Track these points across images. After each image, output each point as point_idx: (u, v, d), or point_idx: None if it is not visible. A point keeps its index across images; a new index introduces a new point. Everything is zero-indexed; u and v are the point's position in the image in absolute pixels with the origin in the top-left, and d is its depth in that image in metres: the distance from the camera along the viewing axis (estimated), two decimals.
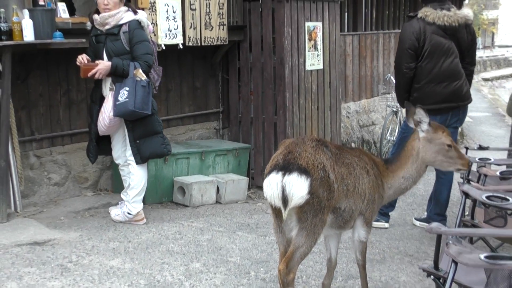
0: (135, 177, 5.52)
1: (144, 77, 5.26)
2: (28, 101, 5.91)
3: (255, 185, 7.32)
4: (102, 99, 5.48)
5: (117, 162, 5.69)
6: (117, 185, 6.35)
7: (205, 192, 6.47)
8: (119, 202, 5.80)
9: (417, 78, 5.44)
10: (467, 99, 5.50)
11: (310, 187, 3.41)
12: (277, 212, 3.53)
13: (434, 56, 5.35)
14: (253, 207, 6.55)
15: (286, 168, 3.44)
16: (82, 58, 5.28)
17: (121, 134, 5.55)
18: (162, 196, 6.50)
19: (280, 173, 3.43)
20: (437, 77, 5.37)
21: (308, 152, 3.54)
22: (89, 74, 5.25)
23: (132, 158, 5.47)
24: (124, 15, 5.32)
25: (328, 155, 3.62)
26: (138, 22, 5.36)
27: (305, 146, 3.59)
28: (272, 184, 3.44)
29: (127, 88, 5.18)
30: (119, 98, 5.19)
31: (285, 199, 3.39)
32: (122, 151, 5.60)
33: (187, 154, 6.66)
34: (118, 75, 5.28)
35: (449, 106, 5.39)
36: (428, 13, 5.33)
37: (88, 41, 5.48)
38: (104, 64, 5.26)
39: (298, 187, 3.39)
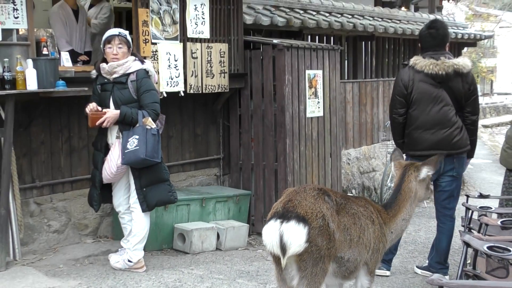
0: (138, 224, 5.50)
1: (153, 125, 5.33)
2: (30, 149, 5.94)
3: (256, 231, 7.28)
4: (107, 147, 5.51)
5: (117, 210, 5.67)
6: (117, 232, 6.32)
7: (206, 239, 6.45)
8: (119, 249, 5.77)
9: (407, 124, 5.56)
10: (459, 147, 5.45)
11: (308, 235, 3.44)
12: (277, 260, 3.55)
13: (421, 103, 5.43)
14: (253, 254, 6.51)
15: (284, 216, 3.49)
16: (93, 107, 5.32)
17: (123, 181, 5.56)
18: (162, 243, 6.47)
19: (278, 221, 3.49)
20: (424, 124, 5.43)
21: (308, 201, 3.58)
22: (97, 123, 5.28)
23: (136, 205, 5.46)
24: (132, 64, 5.40)
25: (329, 204, 3.65)
26: (146, 71, 5.44)
27: (305, 194, 3.63)
28: (271, 231, 3.49)
29: (137, 136, 5.22)
30: (128, 146, 5.22)
31: (283, 247, 3.42)
32: (123, 199, 5.59)
33: (188, 201, 6.65)
34: (126, 124, 5.32)
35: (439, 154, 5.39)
36: (417, 61, 5.43)
37: (92, 89, 5.53)
38: (112, 112, 5.30)
39: (295, 235, 3.43)
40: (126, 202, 5.58)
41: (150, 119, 5.33)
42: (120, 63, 5.36)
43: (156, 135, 5.32)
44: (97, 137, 5.59)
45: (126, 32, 5.48)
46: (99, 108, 5.35)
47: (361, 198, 4.20)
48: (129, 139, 5.25)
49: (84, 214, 6.38)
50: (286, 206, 3.57)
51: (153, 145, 5.27)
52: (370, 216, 3.95)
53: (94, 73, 5.54)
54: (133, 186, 5.47)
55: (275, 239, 3.46)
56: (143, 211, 5.47)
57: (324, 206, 3.60)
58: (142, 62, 5.47)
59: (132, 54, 5.49)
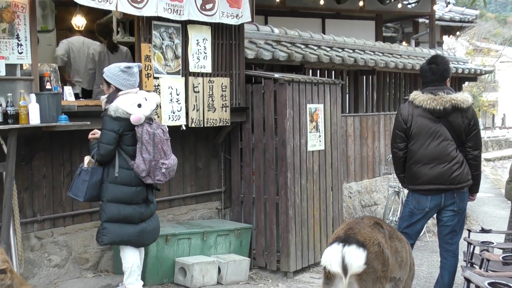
0: (123, 261, 5.56)
1: (85, 163, 5.42)
2: (31, 183, 5.96)
3: (257, 265, 7.25)
4: None
5: None
6: (118, 266, 6.29)
7: (207, 272, 6.42)
8: (120, 284, 5.75)
9: (407, 158, 5.57)
10: (459, 182, 5.41)
11: (367, 258, 3.96)
12: (331, 278, 4.05)
13: (419, 138, 5.45)
14: None
15: (346, 240, 4.03)
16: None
17: None
18: (163, 277, 6.44)
19: (340, 245, 4.02)
20: (422, 158, 5.44)
21: (366, 230, 4.16)
22: None
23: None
24: (104, 105, 5.51)
25: (383, 234, 4.26)
26: (107, 110, 5.41)
27: (363, 224, 4.23)
28: (333, 253, 4.01)
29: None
30: None
31: (344, 267, 3.94)
32: None
33: (189, 234, 6.64)
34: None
35: (438, 188, 5.38)
36: (416, 96, 5.47)
37: None
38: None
39: (356, 257, 3.95)
40: None
41: (88, 158, 5.44)
42: (102, 99, 5.59)
43: (81, 174, 5.38)
44: None
45: (106, 70, 5.53)
46: None
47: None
48: None
49: (85, 248, 6.36)
50: (347, 232, 4.10)
51: (76, 183, 5.40)
52: (407, 242, 4.67)
53: None
54: None
55: (337, 260, 3.95)
56: (100, 244, 5.60)
57: (379, 235, 4.18)
58: (110, 102, 5.44)
59: (115, 90, 5.49)
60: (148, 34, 6.24)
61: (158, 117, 6.26)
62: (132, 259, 5.51)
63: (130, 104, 5.34)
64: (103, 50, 7.44)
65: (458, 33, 18.32)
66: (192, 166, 7.40)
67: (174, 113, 6.47)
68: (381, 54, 10.48)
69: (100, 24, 7.61)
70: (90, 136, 5.50)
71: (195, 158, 7.43)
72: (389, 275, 4.14)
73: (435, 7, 13.49)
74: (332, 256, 3.98)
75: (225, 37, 7.05)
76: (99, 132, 5.44)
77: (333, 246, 4.04)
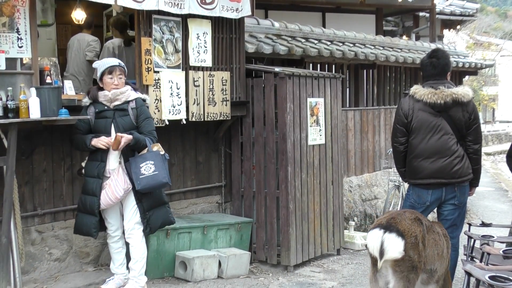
0: (139, 249, 5.54)
1: (163, 150, 5.54)
2: (32, 177, 5.96)
3: (257, 259, 7.26)
4: (103, 173, 5.51)
5: (114, 234, 5.64)
6: None
7: (207, 266, 6.43)
8: (107, 280, 5.74)
9: (408, 152, 5.56)
10: (460, 176, 5.41)
11: (404, 247, 4.30)
12: (374, 262, 4.39)
13: (420, 132, 5.43)
14: (255, 282, 6.48)
15: (387, 228, 4.37)
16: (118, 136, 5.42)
17: (117, 207, 5.59)
18: (164, 271, 6.45)
19: (382, 231, 4.36)
20: (423, 152, 5.43)
21: (406, 222, 4.47)
22: (120, 146, 5.39)
23: (134, 231, 5.49)
24: (131, 93, 5.58)
25: (422, 228, 4.52)
26: (143, 100, 5.66)
27: (405, 217, 4.54)
28: (374, 237, 4.36)
29: (152, 162, 5.39)
30: (144, 172, 5.35)
31: (381, 252, 4.29)
32: (120, 224, 5.63)
33: (189, 228, 6.64)
34: (135, 149, 5.48)
35: (439, 182, 5.38)
36: (416, 90, 5.45)
37: (82, 115, 5.57)
38: (127, 137, 5.41)
39: (394, 244, 4.29)
40: (122, 226, 5.62)
41: (159, 145, 5.54)
42: (122, 91, 5.51)
43: (166, 161, 5.56)
44: (92, 164, 5.53)
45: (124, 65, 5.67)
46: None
47: (436, 222, 5.22)
48: (141, 165, 5.37)
49: (85, 242, 6.37)
50: (389, 221, 4.43)
51: (168, 169, 5.54)
52: (445, 234, 4.95)
53: (87, 101, 5.60)
54: (128, 212, 5.51)
55: (376, 244, 4.31)
56: (147, 234, 5.59)
57: (418, 229, 4.46)
58: (136, 90, 5.69)
59: (126, 83, 5.65)
60: (148, 28, 6.23)
61: (159, 111, 6.26)
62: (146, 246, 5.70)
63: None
64: (120, 45, 7.49)
65: (458, 27, 18.31)
66: (192, 160, 7.40)
67: (174, 107, 6.47)
68: (381, 48, 10.47)
69: (118, 19, 7.68)
70: (122, 144, 5.39)
71: (196, 152, 7.43)
72: (424, 267, 4.47)
73: (436, 1, 13.48)
74: (373, 241, 4.34)
75: (225, 31, 7.04)
76: (126, 140, 5.40)
77: (375, 230, 4.38)
